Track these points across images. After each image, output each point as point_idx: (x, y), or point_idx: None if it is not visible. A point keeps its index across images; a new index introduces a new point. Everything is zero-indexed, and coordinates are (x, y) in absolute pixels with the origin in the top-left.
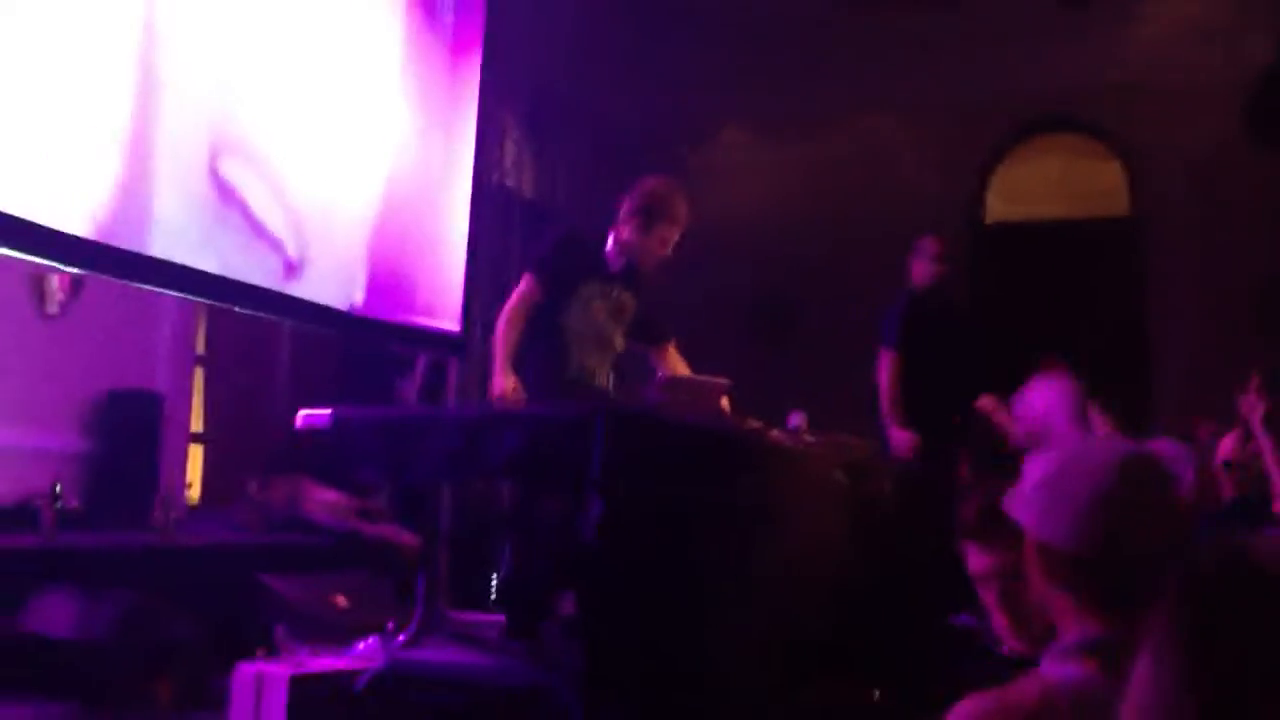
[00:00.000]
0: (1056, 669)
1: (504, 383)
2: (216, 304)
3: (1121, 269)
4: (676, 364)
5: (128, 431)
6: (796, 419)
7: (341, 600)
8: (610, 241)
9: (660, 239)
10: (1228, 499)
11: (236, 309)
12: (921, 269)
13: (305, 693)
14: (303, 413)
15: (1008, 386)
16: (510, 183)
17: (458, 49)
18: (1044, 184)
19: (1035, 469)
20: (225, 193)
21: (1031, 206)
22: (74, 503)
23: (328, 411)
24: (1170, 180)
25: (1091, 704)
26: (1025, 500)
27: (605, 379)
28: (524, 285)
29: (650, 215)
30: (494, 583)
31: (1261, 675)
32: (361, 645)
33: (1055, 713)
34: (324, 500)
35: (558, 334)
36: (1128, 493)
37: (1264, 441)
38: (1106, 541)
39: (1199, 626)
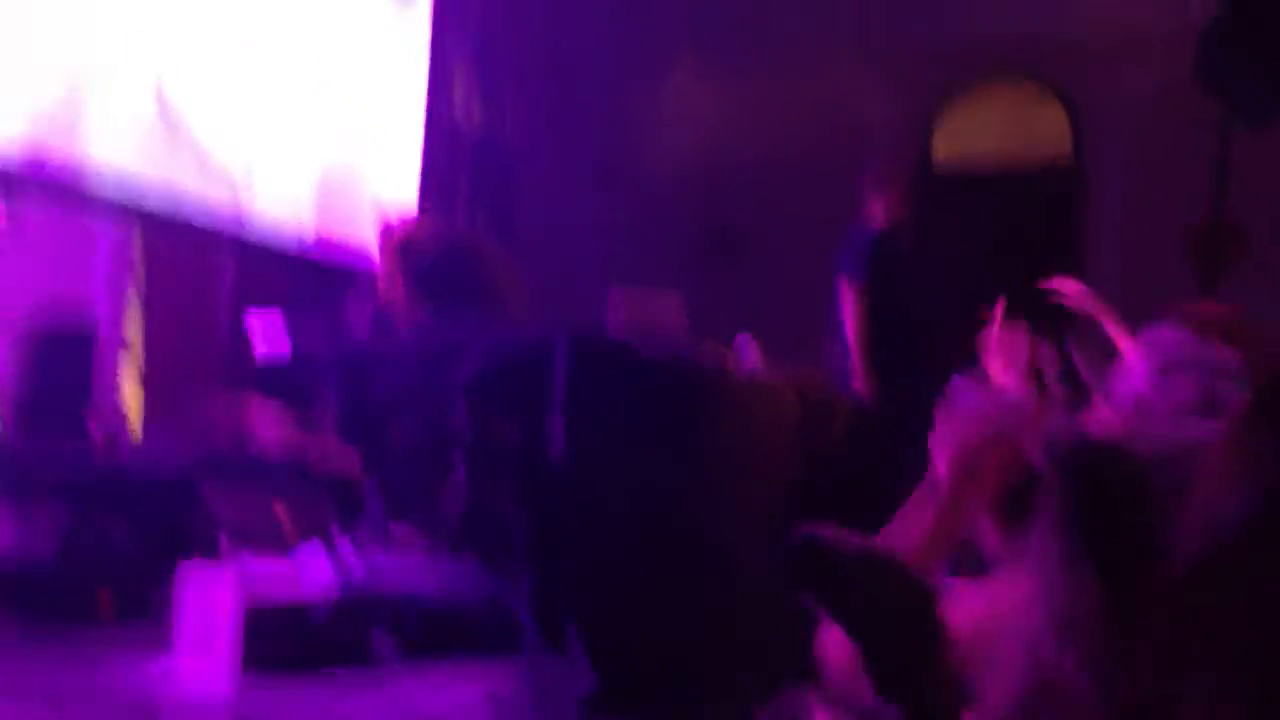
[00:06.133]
0: None
1: None
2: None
3: (1061, 214)
4: None
5: (63, 344)
6: (746, 345)
7: (283, 517)
8: None
9: None
10: None
11: (179, 239)
12: (886, 206)
13: (256, 597)
14: (255, 319)
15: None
16: (459, 117)
17: None
18: (989, 128)
19: None
20: (170, 124)
21: (977, 149)
22: (8, 416)
23: (279, 324)
24: (1112, 128)
25: None
26: None
27: None
28: None
29: None
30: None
31: None
32: (306, 553)
33: None
34: (267, 418)
35: None
36: None
37: None
38: None
39: None
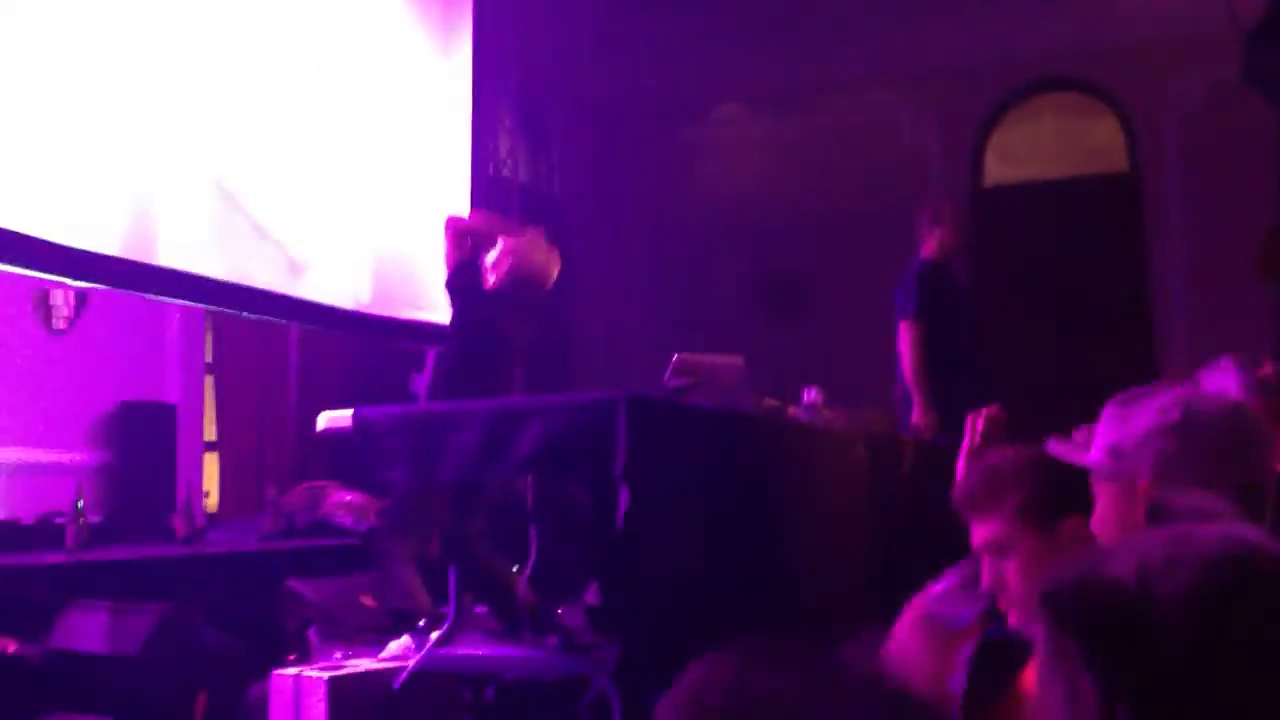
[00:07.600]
0: None
1: None
2: (223, 310)
3: (1122, 225)
4: None
5: (142, 443)
6: (812, 395)
7: (369, 600)
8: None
9: None
10: None
11: (244, 314)
12: (936, 236)
13: (344, 695)
14: (324, 415)
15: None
16: (507, 172)
17: (448, 37)
18: (1041, 144)
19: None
20: (228, 200)
21: (1030, 167)
22: (94, 517)
23: (349, 413)
24: (1166, 133)
25: None
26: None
27: None
28: None
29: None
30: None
31: None
32: (395, 644)
33: None
34: (346, 502)
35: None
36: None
37: None
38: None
39: None
